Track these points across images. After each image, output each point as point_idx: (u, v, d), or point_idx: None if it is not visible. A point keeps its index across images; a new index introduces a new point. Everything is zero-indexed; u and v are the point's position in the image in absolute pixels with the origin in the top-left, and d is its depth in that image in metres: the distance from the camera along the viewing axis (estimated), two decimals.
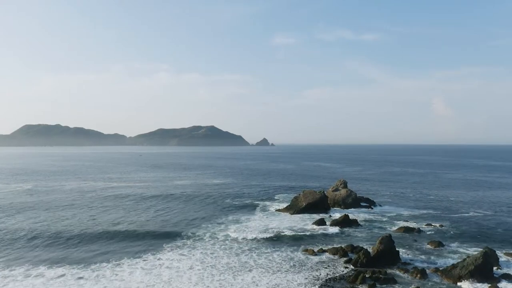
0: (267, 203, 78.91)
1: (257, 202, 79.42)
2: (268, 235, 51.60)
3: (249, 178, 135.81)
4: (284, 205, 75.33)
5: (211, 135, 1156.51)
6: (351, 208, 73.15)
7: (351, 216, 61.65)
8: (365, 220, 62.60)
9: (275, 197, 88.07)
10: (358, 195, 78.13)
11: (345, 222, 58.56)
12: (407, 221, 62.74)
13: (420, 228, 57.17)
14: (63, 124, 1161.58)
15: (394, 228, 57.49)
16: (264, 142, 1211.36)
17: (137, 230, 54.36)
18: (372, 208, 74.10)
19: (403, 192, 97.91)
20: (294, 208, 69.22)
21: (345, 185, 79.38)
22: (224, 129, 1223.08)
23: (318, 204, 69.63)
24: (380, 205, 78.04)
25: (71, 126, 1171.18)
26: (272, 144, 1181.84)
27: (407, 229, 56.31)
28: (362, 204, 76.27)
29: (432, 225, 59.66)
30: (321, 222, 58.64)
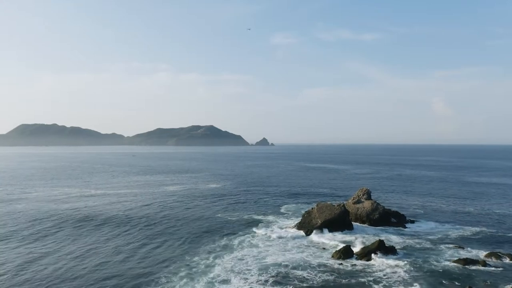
0: (271, 218, 62.70)
1: (257, 217, 63.20)
2: (272, 278, 35.40)
3: (248, 182, 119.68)
4: (293, 221, 59.31)
5: (210, 134, 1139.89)
6: (378, 225, 57.11)
7: (379, 237, 45.77)
8: (404, 247, 46.41)
9: (281, 209, 71.89)
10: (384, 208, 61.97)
11: (379, 251, 42.49)
12: (460, 247, 46.65)
13: (486, 261, 41.11)
14: (60, 124, 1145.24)
15: (448, 261, 41.41)
16: (263, 142, 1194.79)
17: (78, 276, 38.11)
18: (405, 226, 57.99)
19: (433, 202, 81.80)
20: (306, 227, 53.18)
21: (368, 195, 63.23)
22: (223, 129, 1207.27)
23: (337, 222, 53.55)
24: (413, 221, 62.00)
25: (68, 125, 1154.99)
26: (272, 144, 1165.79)
27: (467, 262, 40.36)
28: (391, 220, 60.11)
29: (499, 255, 43.44)
30: (346, 253, 42.44)
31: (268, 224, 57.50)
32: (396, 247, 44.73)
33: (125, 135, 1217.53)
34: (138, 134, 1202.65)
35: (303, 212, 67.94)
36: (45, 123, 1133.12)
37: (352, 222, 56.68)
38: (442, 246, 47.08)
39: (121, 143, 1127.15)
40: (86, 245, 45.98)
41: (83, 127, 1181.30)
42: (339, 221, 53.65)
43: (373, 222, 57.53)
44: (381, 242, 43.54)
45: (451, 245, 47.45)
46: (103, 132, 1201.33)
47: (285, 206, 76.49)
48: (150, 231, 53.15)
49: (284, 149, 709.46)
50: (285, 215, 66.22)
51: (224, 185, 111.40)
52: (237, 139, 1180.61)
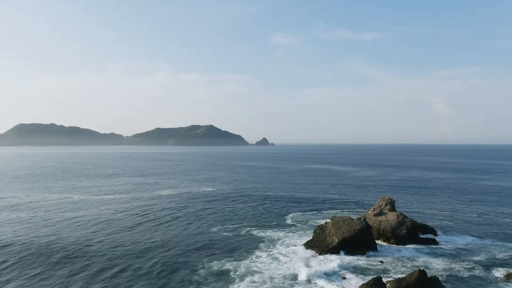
0: (275, 233, 52.26)
1: (259, 232, 52.81)
2: None
3: (248, 186, 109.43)
4: (302, 237, 49.00)
5: (210, 134, 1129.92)
6: (406, 243, 46.75)
7: (414, 262, 35.69)
8: (449, 278, 36.05)
9: (286, 220, 61.61)
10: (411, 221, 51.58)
11: (420, 285, 32.24)
12: None
13: None
14: (58, 124, 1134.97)
15: None
16: (263, 141, 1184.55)
17: None
18: (437, 243, 47.71)
19: (459, 210, 71.48)
20: (320, 246, 42.92)
21: (392, 205, 52.93)
22: (223, 129, 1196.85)
23: (358, 240, 43.22)
24: (444, 234, 51.89)
25: (67, 125, 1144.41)
26: (272, 144, 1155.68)
27: None
28: (421, 235, 49.85)
29: None
30: (377, 287, 32.16)
31: (272, 242, 47.10)
32: (439, 277, 34.47)
33: (124, 135, 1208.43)
34: (137, 134, 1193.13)
35: (312, 223, 58.13)
36: (43, 123, 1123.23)
37: (375, 240, 46.39)
38: (495, 273, 36.91)
39: (120, 143, 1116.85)
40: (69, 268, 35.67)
41: (82, 127, 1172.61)
42: (360, 240, 43.33)
43: (400, 239, 47.18)
44: (421, 272, 33.19)
45: (504, 270, 37.30)
46: (102, 132, 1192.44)
47: (291, 215, 66.29)
48: (122, 250, 42.74)
49: (284, 149, 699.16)
50: (292, 228, 55.86)
51: (221, 189, 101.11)
52: (237, 139, 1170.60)
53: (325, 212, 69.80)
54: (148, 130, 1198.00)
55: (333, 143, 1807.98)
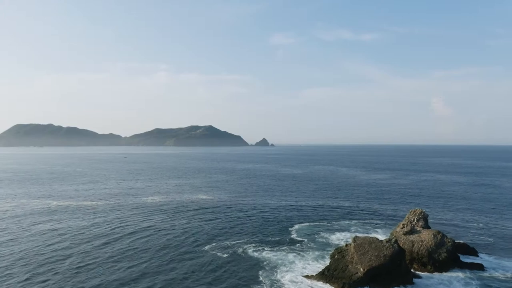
0: (279, 255, 41.82)
1: (258, 252, 42.43)
2: None
3: (247, 192, 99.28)
4: (312, 260, 38.77)
5: (209, 135, 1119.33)
6: (447, 270, 36.59)
7: None
8: None
9: (291, 233, 51.42)
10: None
11: None
12: None
13: None
14: (56, 124, 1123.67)
15: None
16: (263, 142, 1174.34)
17: None
18: (484, 268, 37.56)
19: (493, 222, 61.25)
20: (340, 278, 32.74)
21: (425, 221, 42.58)
22: (222, 129, 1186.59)
23: (389, 270, 33.01)
24: (488, 256, 41.77)
25: (65, 126, 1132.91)
26: (272, 145, 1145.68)
27: None
28: (462, 259, 39.64)
29: None
30: None
31: (274, 270, 36.68)
32: None
33: (123, 136, 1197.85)
34: (136, 135, 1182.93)
35: (322, 239, 48.16)
36: (41, 123, 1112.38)
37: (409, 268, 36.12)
38: None
39: (119, 144, 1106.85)
40: None
41: (81, 127, 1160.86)
42: (392, 269, 33.11)
43: (439, 265, 36.94)
44: None
45: None
46: (100, 132, 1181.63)
47: (296, 226, 56.24)
48: (85, 276, 32.50)
49: (284, 150, 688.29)
50: (299, 246, 45.54)
51: (217, 195, 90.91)
52: (236, 140, 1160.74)
53: (336, 223, 59.77)
54: (147, 130, 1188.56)
55: (334, 144, 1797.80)
